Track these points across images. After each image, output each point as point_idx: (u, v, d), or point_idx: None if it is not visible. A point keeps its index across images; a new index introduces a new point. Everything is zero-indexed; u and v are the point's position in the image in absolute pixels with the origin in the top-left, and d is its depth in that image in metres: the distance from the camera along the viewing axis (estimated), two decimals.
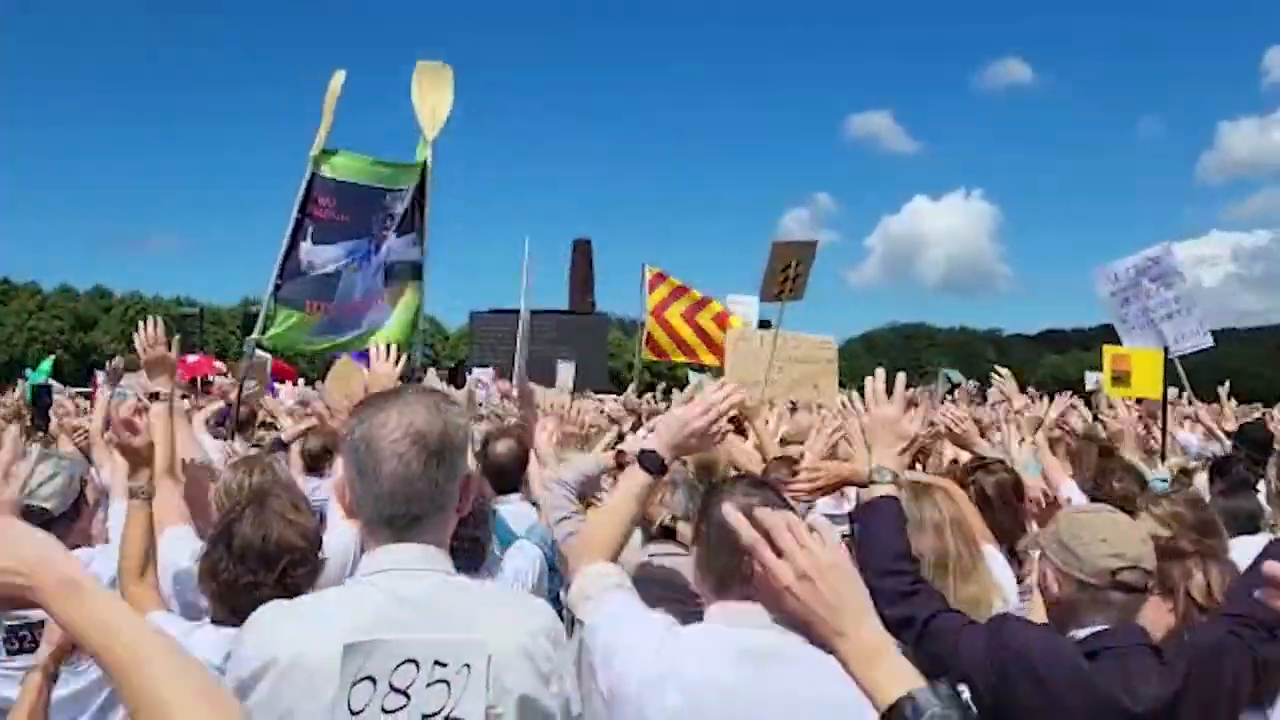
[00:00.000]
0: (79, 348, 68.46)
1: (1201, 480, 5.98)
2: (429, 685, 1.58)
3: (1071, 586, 2.23)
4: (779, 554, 1.46)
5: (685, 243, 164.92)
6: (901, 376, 2.60)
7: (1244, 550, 3.97)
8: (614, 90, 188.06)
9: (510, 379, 9.58)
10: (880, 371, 2.62)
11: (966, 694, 1.36)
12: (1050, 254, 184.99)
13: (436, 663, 1.58)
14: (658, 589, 2.78)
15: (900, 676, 1.37)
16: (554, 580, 3.49)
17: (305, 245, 6.99)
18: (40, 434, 7.04)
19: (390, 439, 1.70)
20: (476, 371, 15.18)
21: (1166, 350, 7.58)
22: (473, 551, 3.36)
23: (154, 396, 3.49)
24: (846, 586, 1.43)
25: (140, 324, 3.76)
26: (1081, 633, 2.19)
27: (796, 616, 1.45)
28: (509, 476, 4.43)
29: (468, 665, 1.58)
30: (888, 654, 1.42)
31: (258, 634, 1.70)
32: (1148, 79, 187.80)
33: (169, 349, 3.72)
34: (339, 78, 7.06)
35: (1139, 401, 7.95)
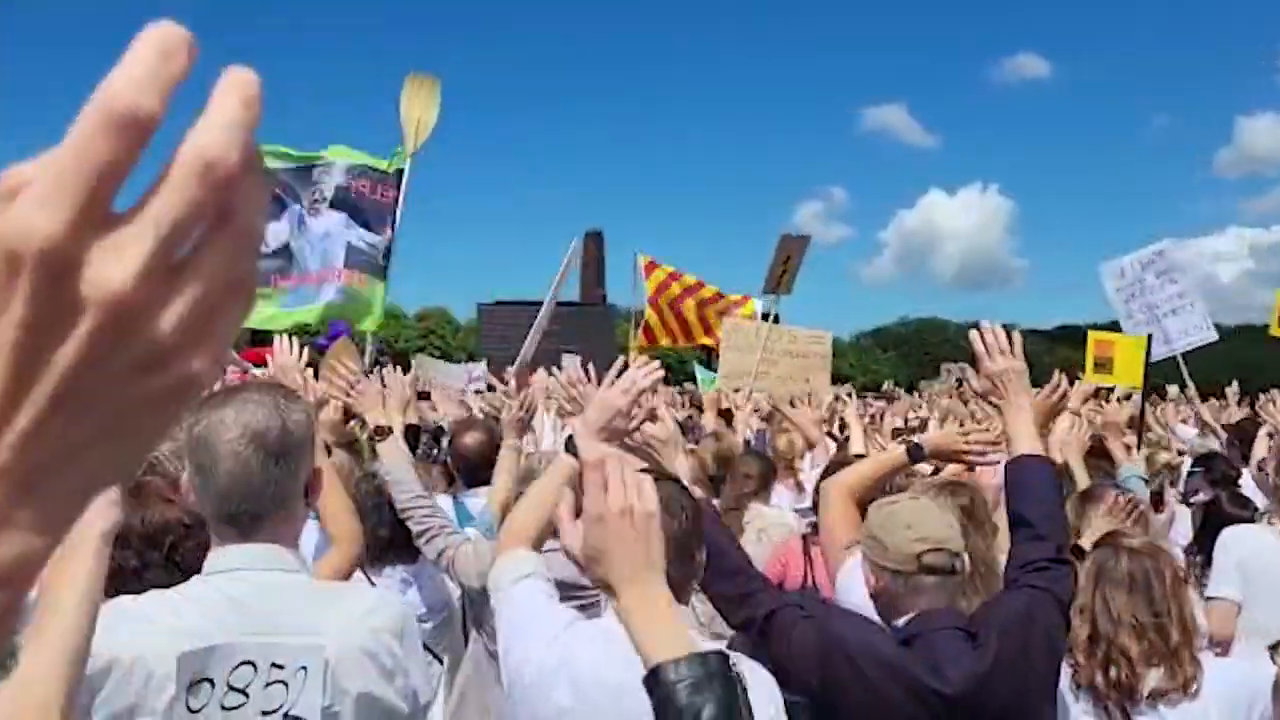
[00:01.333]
0: None
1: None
2: (267, 685, 1.62)
3: (886, 577, 2.25)
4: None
5: (697, 236, 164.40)
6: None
7: (1240, 536, 3.94)
8: (625, 82, 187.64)
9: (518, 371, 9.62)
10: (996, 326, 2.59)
11: (742, 668, 1.30)
12: (1067, 248, 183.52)
13: (273, 664, 1.62)
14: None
15: (674, 639, 1.28)
16: None
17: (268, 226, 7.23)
18: None
19: (227, 437, 1.69)
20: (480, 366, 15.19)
21: (1150, 342, 7.50)
22: (405, 546, 3.31)
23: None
24: (654, 539, 1.36)
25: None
26: (900, 621, 2.22)
27: (591, 550, 1.38)
28: (478, 469, 4.42)
29: (304, 667, 1.61)
30: (667, 614, 1.33)
31: (102, 633, 1.72)
32: (1165, 73, 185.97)
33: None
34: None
35: (1128, 397, 7.92)
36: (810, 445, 5.51)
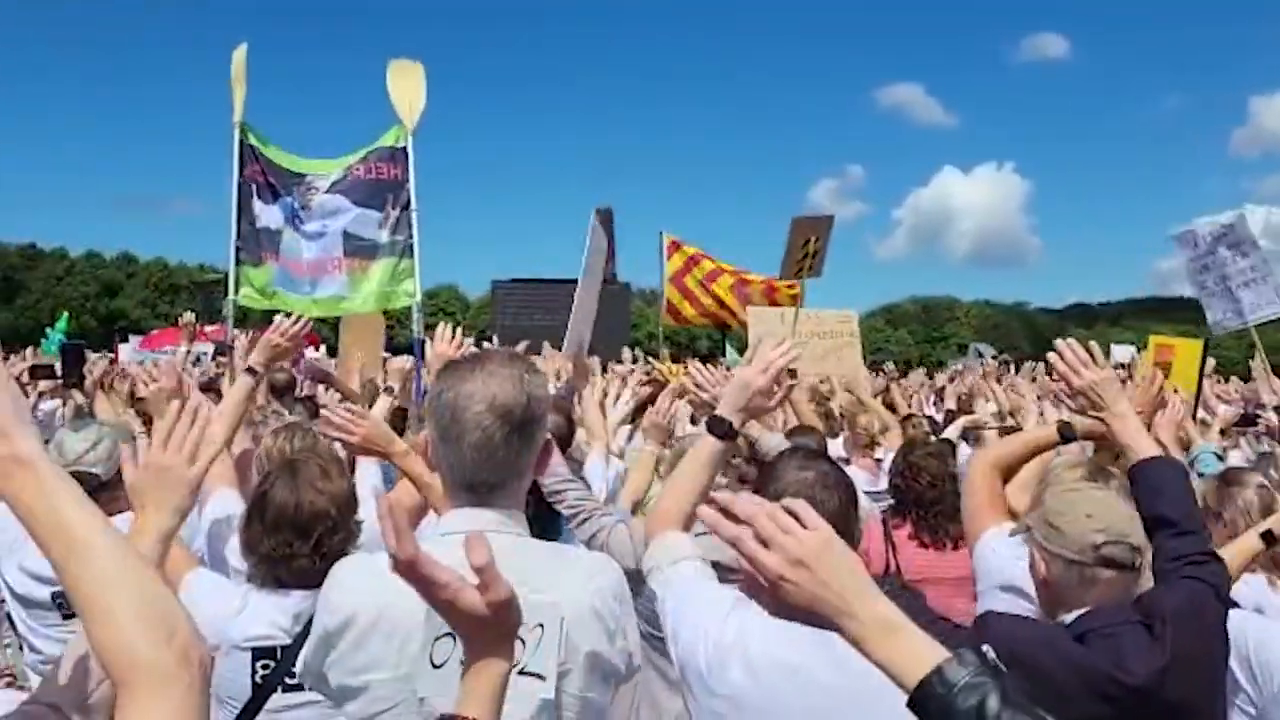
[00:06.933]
0: (105, 313, 69.20)
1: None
2: None
3: (1059, 566, 2.19)
4: (765, 545, 1.35)
5: (712, 214, 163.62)
6: (1093, 345, 2.61)
7: None
8: (642, 58, 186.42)
9: (531, 350, 9.63)
10: (1071, 341, 2.65)
11: (992, 654, 1.25)
12: (1081, 228, 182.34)
13: None
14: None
15: (921, 651, 1.26)
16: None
17: (258, 204, 7.53)
18: (76, 389, 7.18)
19: (474, 410, 1.74)
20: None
21: (1206, 340, 7.38)
22: (543, 532, 3.31)
23: (250, 371, 3.62)
24: (844, 564, 1.34)
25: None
26: (1069, 617, 2.16)
27: (796, 608, 1.35)
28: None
29: (541, 625, 1.63)
30: (903, 629, 1.31)
31: (342, 588, 1.78)
32: (1182, 53, 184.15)
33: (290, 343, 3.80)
34: (241, 52, 7.48)
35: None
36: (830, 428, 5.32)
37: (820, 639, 1.93)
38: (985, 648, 1.26)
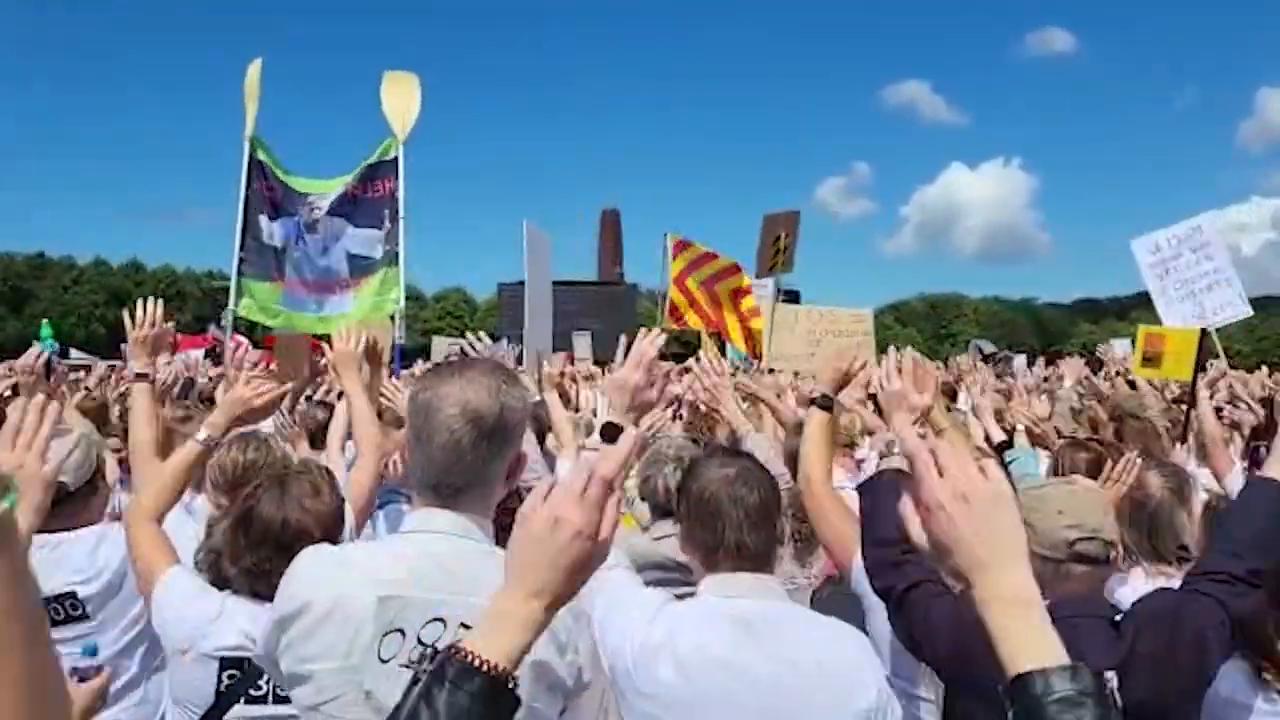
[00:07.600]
0: (113, 321, 69.47)
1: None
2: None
3: (1035, 562, 2.14)
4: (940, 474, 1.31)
5: (719, 213, 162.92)
6: (908, 351, 2.67)
7: None
8: (646, 58, 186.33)
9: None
10: (896, 351, 2.71)
11: (1113, 683, 1.19)
12: (1089, 222, 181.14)
13: (462, 624, 1.67)
14: (659, 570, 2.77)
15: (1039, 643, 1.21)
16: None
17: (265, 219, 7.69)
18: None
19: (447, 413, 1.77)
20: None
21: (1204, 332, 7.32)
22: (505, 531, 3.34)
23: (141, 376, 3.49)
24: (1004, 523, 1.29)
25: (135, 304, 3.67)
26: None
27: (939, 542, 1.31)
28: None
29: None
30: (1032, 611, 1.25)
31: (299, 578, 1.80)
32: (1188, 46, 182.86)
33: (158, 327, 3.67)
34: (256, 66, 7.69)
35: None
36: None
37: (749, 629, 1.98)
38: (1109, 674, 1.20)
